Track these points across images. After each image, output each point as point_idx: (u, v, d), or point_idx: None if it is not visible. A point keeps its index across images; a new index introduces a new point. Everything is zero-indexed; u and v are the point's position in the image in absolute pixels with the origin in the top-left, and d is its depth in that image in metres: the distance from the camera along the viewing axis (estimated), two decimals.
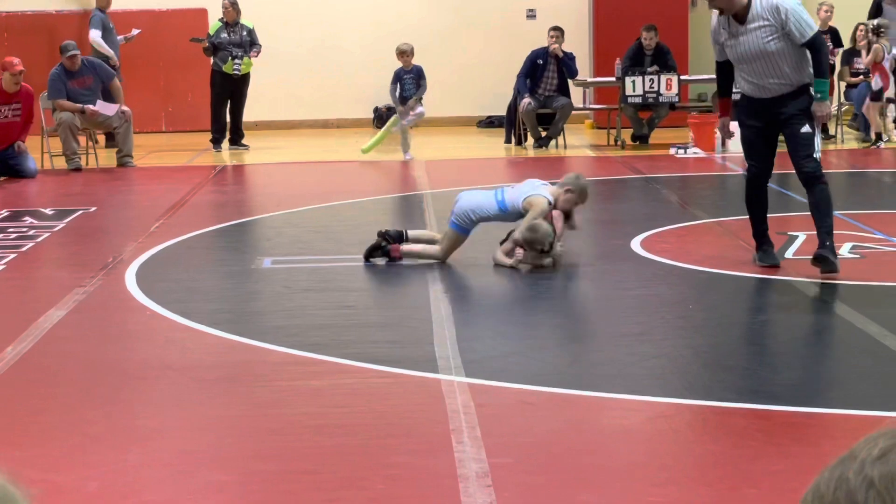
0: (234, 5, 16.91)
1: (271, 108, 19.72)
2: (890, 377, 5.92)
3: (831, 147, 16.28)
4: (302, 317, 7.35)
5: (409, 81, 15.77)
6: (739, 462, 4.77)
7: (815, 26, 8.19)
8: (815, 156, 8.01)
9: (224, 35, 16.82)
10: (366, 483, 4.67)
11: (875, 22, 16.24)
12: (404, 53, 15.83)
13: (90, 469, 4.88)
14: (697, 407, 5.54)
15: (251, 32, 16.94)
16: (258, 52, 16.91)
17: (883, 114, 16.85)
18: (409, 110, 15.60)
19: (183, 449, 5.12)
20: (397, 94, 15.73)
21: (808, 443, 5.05)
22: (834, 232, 8.04)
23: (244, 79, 16.94)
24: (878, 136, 15.97)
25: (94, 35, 17.04)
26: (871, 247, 9.11)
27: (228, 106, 17.05)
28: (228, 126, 17.19)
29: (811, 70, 8.02)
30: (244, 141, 17.24)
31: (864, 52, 16.36)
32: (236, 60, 16.71)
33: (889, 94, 17.31)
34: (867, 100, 16.13)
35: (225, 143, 17.19)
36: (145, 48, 19.40)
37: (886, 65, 16.14)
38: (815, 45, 7.97)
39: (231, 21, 16.87)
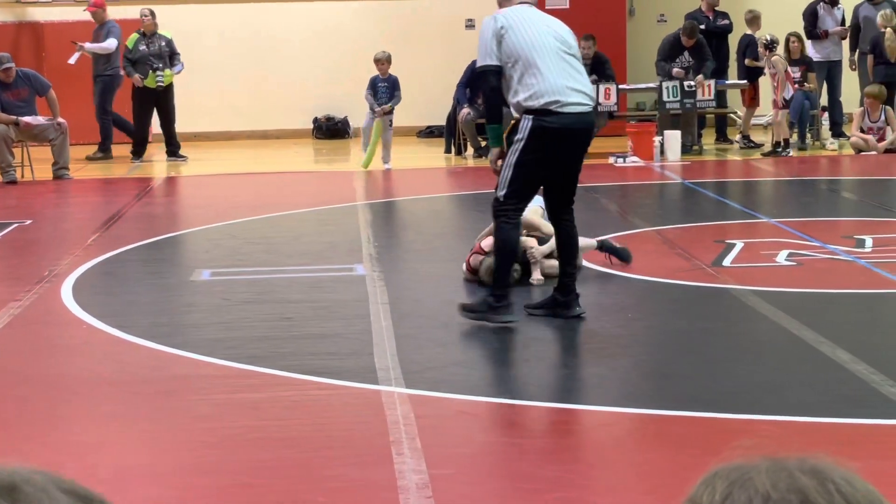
0: (153, 16, 16.78)
1: (210, 120, 19.60)
2: (826, 383, 5.97)
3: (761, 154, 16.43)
4: (240, 329, 7.30)
5: (384, 90, 15.73)
6: (679, 470, 4.79)
7: (486, 59, 7.07)
8: (497, 193, 7.15)
9: (142, 47, 16.68)
10: (306, 496, 4.65)
11: (768, 37, 16.49)
12: (380, 61, 15.79)
13: None
14: (637, 415, 5.56)
15: (170, 43, 16.79)
16: (180, 66, 16.75)
17: (816, 122, 17.05)
18: (385, 114, 15.53)
19: (120, 464, 5.07)
20: (374, 101, 15.65)
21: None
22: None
23: (167, 90, 16.78)
24: (787, 143, 16.16)
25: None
26: (806, 254, 9.19)
27: (158, 118, 16.92)
28: (164, 139, 17.08)
29: (521, 99, 7.03)
30: (182, 152, 17.12)
31: (767, 66, 16.55)
32: (158, 73, 16.55)
33: (823, 101, 17.54)
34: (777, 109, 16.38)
35: (162, 155, 17.09)
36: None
37: (797, 74, 16.43)
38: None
39: (149, 32, 16.72)
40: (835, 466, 1.21)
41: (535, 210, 8.31)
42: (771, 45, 16.36)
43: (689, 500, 1.22)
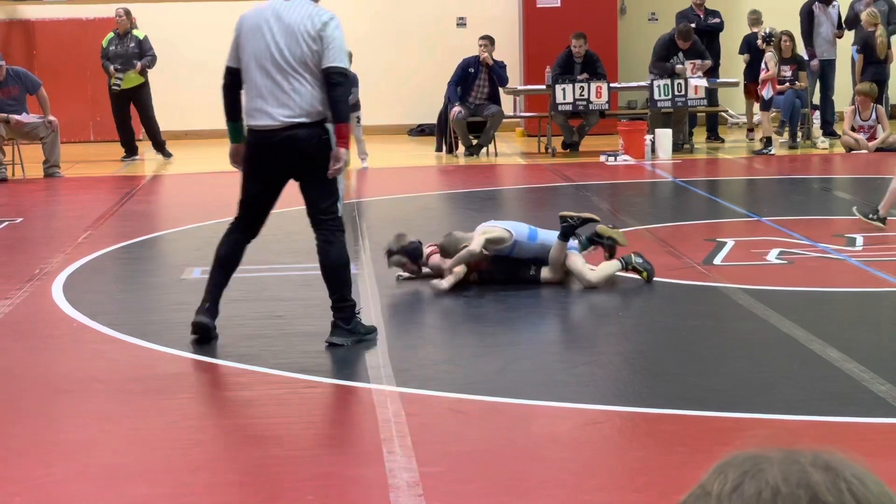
0: (128, 15, 16.67)
1: (200, 118, 19.57)
2: (816, 381, 5.98)
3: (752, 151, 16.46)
4: (231, 327, 7.29)
5: None
6: (668, 468, 4.80)
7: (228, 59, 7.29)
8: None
9: (112, 48, 16.60)
10: (296, 494, 4.64)
11: (767, 30, 16.49)
12: None
13: (15, 484, 4.81)
14: (627, 413, 5.56)
15: (141, 43, 16.66)
16: (150, 63, 16.61)
17: (807, 121, 17.08)
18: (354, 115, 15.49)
19: (110, 463, 5.06)
20: None
21: (737, 448, 5.08)
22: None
23: (139, 90, 16.64)
24: (769, 141, 16.18)
25: None
26: (797, 252, 9.20)
27: (139, 118, 16.87)
28: (145, 137, 17.02)
29: None
30: (173, 150, 17.07)
31: (764, 62, 16.57)
32: (117, 75, 16.44)
33: (815, 100, 17.57)
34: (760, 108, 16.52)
35: (151, 154, 17.07)
36: (72, 57, 19.20)
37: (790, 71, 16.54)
38: None
39: (122, 32, 16.62)
40: (849, 463, 1.20)
41: (577, 258, 8.15)
42: (768, 39, 16.36)
43: (700, 486, 1.22)
